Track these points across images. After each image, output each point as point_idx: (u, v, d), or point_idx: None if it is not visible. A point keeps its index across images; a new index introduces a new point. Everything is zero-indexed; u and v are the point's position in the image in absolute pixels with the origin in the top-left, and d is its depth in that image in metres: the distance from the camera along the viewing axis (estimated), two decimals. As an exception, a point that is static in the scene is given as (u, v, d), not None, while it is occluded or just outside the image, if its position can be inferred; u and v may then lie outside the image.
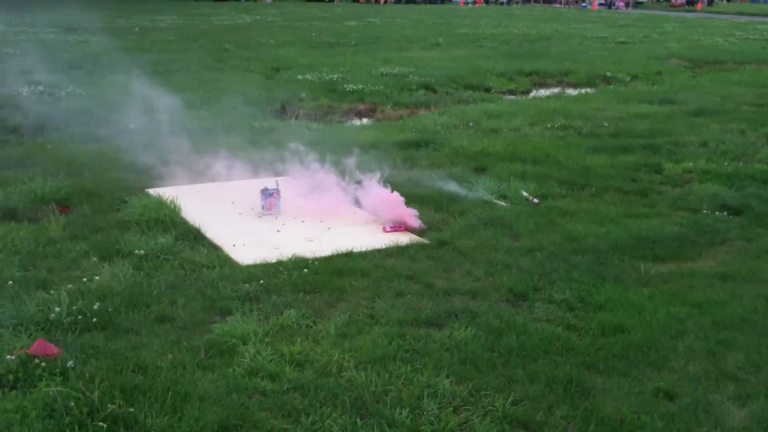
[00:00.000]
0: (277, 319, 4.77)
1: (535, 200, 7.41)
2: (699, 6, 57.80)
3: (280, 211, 7.03)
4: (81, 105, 11.73)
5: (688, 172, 8.70)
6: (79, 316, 4.65)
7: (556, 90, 16.66)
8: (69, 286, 5.08)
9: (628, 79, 17.66)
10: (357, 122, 12.53)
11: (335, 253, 5.97)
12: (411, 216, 6.68)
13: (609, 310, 5.02)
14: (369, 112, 13.26)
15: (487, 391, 4.03)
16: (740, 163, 9.11)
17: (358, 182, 7.32)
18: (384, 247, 6.15)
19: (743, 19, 43.83)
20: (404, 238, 6.38)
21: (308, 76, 16.10)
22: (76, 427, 3.57)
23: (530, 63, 19.40)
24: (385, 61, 19.13)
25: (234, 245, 6.13)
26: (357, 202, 7.21)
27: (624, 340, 4.61)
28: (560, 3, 63.77)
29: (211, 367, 4.22)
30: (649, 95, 14.80)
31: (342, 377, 4.13)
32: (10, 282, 5.16)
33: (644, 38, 28.05)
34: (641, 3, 61.73)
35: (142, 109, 10.53)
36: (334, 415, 3.78)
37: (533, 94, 16.24)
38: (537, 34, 29.24)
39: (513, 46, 24.75)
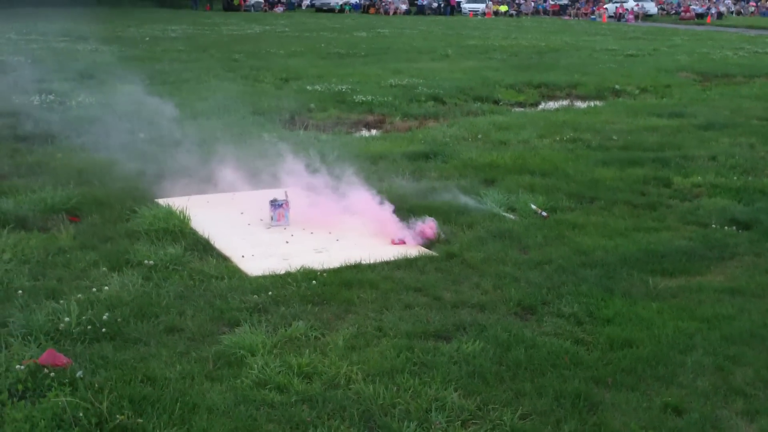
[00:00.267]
0: (286, 330, 4.78)
1: (544, 213, 7.41)
2: (708, 19, 57.79)
3: (289, 222, 7.04)
4: (91, 114, 11.77)
5: (698, 186, 8.69)
6: (89, 326, 4.67)
7: (565, 102, 16.67)
8: (78, 295, 5.10)
9: (637, 92, 17.67)
10: (366, 133, 12.55)
11: (344, 264, 5.98)
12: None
13: (617, 325, 5.01)
14: (378, 123, 13.29)
15: (495, 405, 4.03)
16: (749, 178, 9.09)
17: (367, 193, 7.32)
18: (392, 259, 6.15)
19: (753, 32, 43.79)
20: (413, 251, 6.38)
21: (317, 87, 16.14)
22: (85, 438, 3.58)
23: (539, 75, 19.42)
24: (394, 72, 19.18)
25: (243, 256, 6.14)
26: (365, 214, 7.21)
27: (632, 355, 4.60)
28: (569, 15, 63.86)
29: (220, 378, 4.22)
30: (658, 108, 14.79)
31: (350, 389, 4.13)
32: (20, 291, 5.19)
33: (654, 51, 28.05)
34: (651, 16, 61.75)
35: (152, 119, 10.58)
36: (342, 427, 3.79)
37: (542, 106, 16.25)
38: (546, 46, 29.28)
39: (522, 58, 24.78)
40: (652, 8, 63.73)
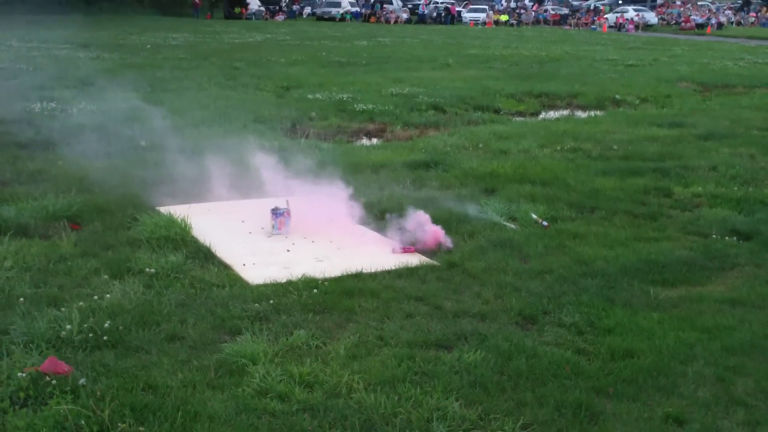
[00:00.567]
0: (287, 339, 4.78)
1: (545, 223, 7.42)
2: (709, 29, 57.90)
3: (290, 231, 7.05)
4: (93, 121, 11.78)
5: (698, 196, 8.70)
6: (90, 334, 4.67)
7: (565, 112, 16.70)
8: (80, 303, 5.10)
9: (637, 101, 17.69)
10: (366, 142, 12.56)
11: (345, 273, 5.98)
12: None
13: (618, 335, 5.02)
14: (379, 132, 13.30)
15: (496, 415, 4.03)
16: (750, 188, 9.10)
17: (367, 204, 7.33)
18: (394, 268, 6.16)
19: (753, 42, 43.87)
20: (414, 260, 6.39)
21: (318, 95, 16.17)
22: (87, 446, 3.58)
23: (540, 85, 19.46)
24: (395, 81, 19.21)
25: (244, 264, 6.15)
26: (366, 223, 7.22)
27: (633, 365, 4.60)
28: (570, 25, 63.98)
29: (221, 386, 4.23)
30: (658, 118, 14.81)
31: (351, 399, 4.13)
32: (22, 299, 5.19)
33: (654, 61, 28.10)
34: (651, 26, 61.87)
35: (153, 126, 10.59)
36: (343, 436, 3.79)
37: (543, 115, 16.27)
38: (547, 56, 29.34)
39: (523, 67, 24.82)
40: (652, 18, 63.84)
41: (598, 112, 16.31)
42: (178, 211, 7.21)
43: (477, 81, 20.00)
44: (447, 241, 6.69)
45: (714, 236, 7.26)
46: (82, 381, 4.10)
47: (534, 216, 7.55)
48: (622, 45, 38.51)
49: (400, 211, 7.13)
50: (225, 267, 6.10)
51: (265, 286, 5.67)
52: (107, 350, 4.57)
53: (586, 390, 4.30)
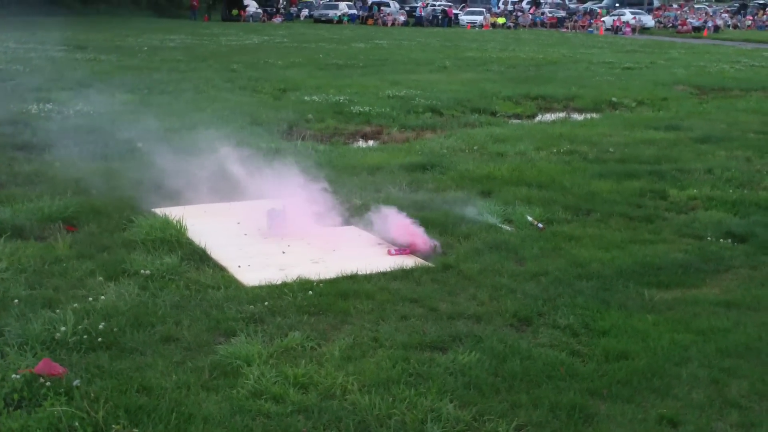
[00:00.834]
0: (282, 341, 4.78)
1: (540, 225, 7.42)
2: (705, 33, 57.98)
3: (286, 233, 7.04)
4: (89, 123, 11.79)
5: (694, 198, 8.71)
6: (85, 336, 4.67)
7: (562, 115, 16.70)
8: (75, 305, 5.10)
9: (634, 104, 17.71)
10: (363, 144, 12.56)
11: (340, 275, 5.99)
12: (421, 237, 6.70)
13: (613, 336, 5.03)
14: (375, 135, 13.30)
15: (490, 416, 4.03)
16: (745, 191, 9.12)
17: (364, 205, 7.33)
18: (389, 270, 6.16)
19: (750, 46, 43.94)
20: (409, 261, 6.39)
21: (315, 98, 16.18)
22: (80, 447, 3.58)
23: (537, 87, 19.48)
24: (392, 84, 19.22)
25: (239, 266, 6.15)
26: (362, 225, 7.22)
27: (628, 367, 4.61)
28: (567, 28, 64.04)
29: (216, 388, 4.23)
30: (655, 121, 14.82)
31: (346, 400, 4.13)
32: (16, 300, 5.19)
33: (651, 64, 28.14)
34: (648, 29, 61.92)
35: (149, 128, 10.59)
36: (337, 438, 3.79)
37: (539, 118, 16.28)
38: (544, 59, 29.37)
39: (520, 70, 24.85)
40: (649, 21, 63.90)
41: (594, 115, 16.32)
42: (173, 212, 7.21)
43: (474, 84, 20.02)
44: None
45: (709, 239, 7.27)
46: (76, 382, 4.09)
47: (530, 218, 7.56)
48: (619, 48, 38.56)
49: (395, 214, 7.12)
50: (220, 269, 6.10)
51: (260, 287, 5.68)
52: (102, 352, 4.57)
53: (581, 391, 4.30)
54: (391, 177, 9.23)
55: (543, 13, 69.88)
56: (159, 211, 7.39)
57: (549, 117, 16.39)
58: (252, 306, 5.31)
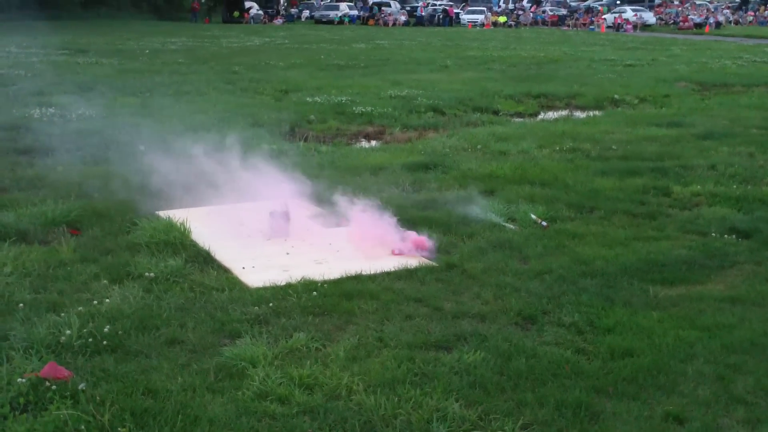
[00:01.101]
0: (287, 342, 4.78)
1: (544, 223, 7.42)
2: (707, 29, 57.91)
3: (289, 234, 7.05)
4: (91, 127, 11.80)
5: (697, 195, 8.70)
6: (90, 339, 4.67)
7: (564, 113, 16.69)
8: (79, 308, 5.10)
9: (636, 101, 17.70)
10: (365, 144, 12.57)
11: (344, 275, 5.99)
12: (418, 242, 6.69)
13: (618, 334, 5.02)
14: (377, 135, 13.31)
15: (496, 415, 4.03)
16: (749, 187, 9.11)
17: (367, 205, 7.33)
18: (393, 269, 6.16)
19: (751, 42, 43.87)
20: (413, 261, 6.39)
21: (317, 99, 16.18)
22: (87, 450, 3.58)
23: (538, 86, 19.47)
24: (393, 84, 19.22)
25: (243, 268, 6.15)
26: (364, 225, 7.22)
27: (633, 364, 4.60)
28: (568, 26, 64.00)
29: (221, 390, 4.23)
30: (657, 118, 14.81)
31: (351, 401, 4.14)
32: (21, 304, 5.19)
33: (652, 61, 28.12)
34: (649, 26, 61.89)
35: (151, 131, 10.60)
36: (343, 438, 3.79)
37: (541, 116, 16.28)
38: (545, 57, 29.37)
39: (521, 68, 24.84)
40: (650, 18, 63.86)
41: (596, 113, 16.31)
42: (177, 215, 7.22)
43: (476, 83, 20.02)
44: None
45: (713, 235, 7.27)
46: (81, 386, 4.10)
47: (533, 216, 7.55)
48: (621, 45, 38.53)
49: (399, 214, 7.12)
50: (224, 270, 6.10)
51: (265, 289, 5.68)
52: (107, 355, 4.57)
53: (586, 389, 4.30)
54: (394, 177, 9.22)
55: (544, 12, 69.86)
56: (162, 213, 7.40)
57: (551, 115, 16.38)
58: (256, 307, 5.31)
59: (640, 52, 32.93)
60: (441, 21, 64.07)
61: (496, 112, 15.93)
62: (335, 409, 4.04)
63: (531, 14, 68.69)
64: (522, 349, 4.75)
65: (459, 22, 65.84)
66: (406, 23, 64.86)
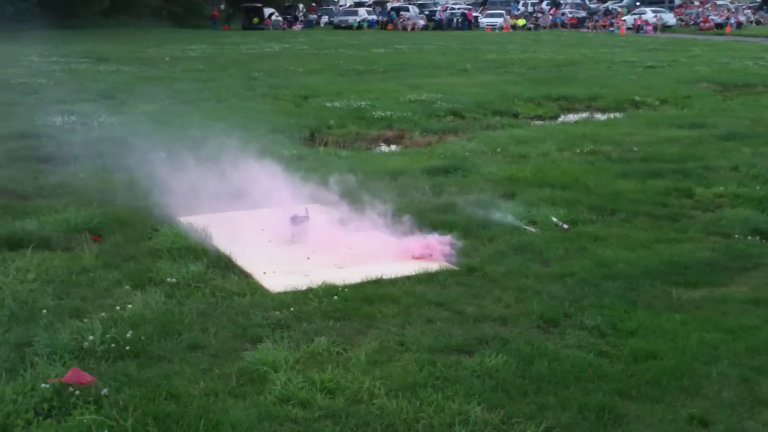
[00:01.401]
0: (308, 346, 4.79)
1: (565, 226, 7.39)
2: (728, 29, 57.52)
3: (310, 239, 7.06)
4: (113, 134, 11.87)
5: (720, 196, 8.64)
6: (113, 345, 4.70)
7: (584, 115, 16.64)
8: (102, 314, 5.14)
9: (657, 103, 17.61)
10: (385, 149, 12.57)
11: (365, 280, 5.98)
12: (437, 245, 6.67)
13: (641, 337, 4.99)
14: (397, 139, 13.32)
15: (518, 419, 4.02)
16: (772, 187, 9.03)
17: (387, 210, 7.33)
18: (413, 273, 6.15)
19: (773, 41, 43.50)
20: (434, 265, 6.37)
21: (336, 104, 16.21)
22: (110, 455, 3.60)
23: (558, 88, 19.41)
24: (413, 88, 19.22)
25: (264, 272, 6.16)
26: (386, 229, 7.22)
27: (656, 367, 4.57)
28: (588, 28, 63.76)
29: (243, 395, 4.24)
30: (678, 119, 14.73)
31: (373, 405, 4.13)
32: (44, 311, 5.23)
33: (673, 62, 27.96)
34: (669, 27, 61.54)
35: (172, 138, 10.65)
36: (365, 442, 3.78)
37: (561, 119, 16.23)
38: (565, 59, 29.27)
39: (541, 71, 24.78)
40: (670, 19, 63.47)
41: (617, 115, 16.25)
42: (198, 221, 7.25)
43: (495, 86, 19.98)
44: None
45: (736, 236, 7.21)
46: (105, 391, 4.12)
47: (554, 219, 7.53)
48: (641, 47, 38.34)
49: (418, 218, 7.12)
50: (245, 275, 6.12)
51: (286, 293, 5.69)
52: (129, 360, 4.59)
53: (609, 392, 4.27)
54: (414, 181, 9.22)
55: (563, 14, 69.60)
56: (184, 219, 7.43)
57: (571, 117, 16.33)
58: (278, 312, 5.32)
59: (661, 54, 32.75)
60: (460, 25, 63.97)
61: (515, 115, 15.90)
62: (357, 414, 4.03)
63: (550, 17, 68.48)
64: (544, 353, 4.73)
65: (478, 25, 65.72)
66: (425, 27, 64.79)
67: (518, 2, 75.94)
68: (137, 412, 3.94)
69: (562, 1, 75.69)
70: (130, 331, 4.85)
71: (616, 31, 57.76)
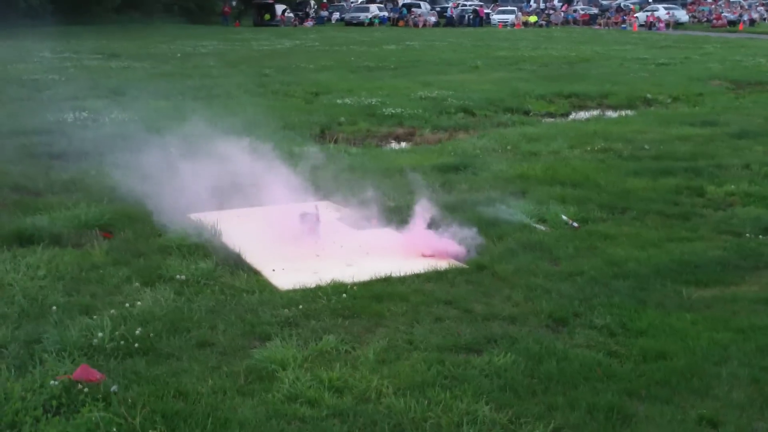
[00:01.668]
0: (316, 344, 4.78)
1: (575, 224, 7.37)
2: (741, 26, 57.25)
3: (319, 236, 7.05)
4: (124, 131, 11.88)
5: (731, 195, 8.59)
6: (122, 342, 4.71)
7: (595, 112, 16.59)
8: (112, 311, 5.15)
9: (669, 101, 17.54)
10: (396, 146, 12.56)
11: (374, 277, 5.98)
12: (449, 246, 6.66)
13: (651, 336, 4.97)
14: (408, 136, 13.30)
15: (527, 419, 4.00)
16: (784, 186, 8.97)
17: (398, 207, 7.32)
18: (422, 271, 6.14)
19: (786, 38, 43.28)
20: (443, 263, 6.36)
21: (347, 101, 16.20)
22: (118, 453, 3.60)
23: (570, 85, 19.35)
24: (424, 85, 19.20)
25: (273, 270, 6.16)
26: (395, 227, 7.21)
27: (666, 367, 4.55)
28: (600, 25, 63.56)
29: (251, 392, 4.24)
30: (690, 117, 14.66)
31: (381, 403, 4.13)
32: (54, 307, 5.24)
33: (685, 59, 27.85)
34: (682, 24, 61.30)
35: (183, 135, 10.65)
36: (373, 441, 3.78)
37: (573, 116, 16.18)
38: (576, 57, 29.19)
39: (552, 68, 24.71)
40: (683, 16, 63.25)
41: (629, 112, 16.19)
42: (208, 217, 7.26)
43: (506, 83, 19.94)
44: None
45: (748, 235, 7.17)
46: (113, 388, 4.13)
47: (564, 217, 7.50)
48: (653, 44, 38.20)
49: (428, 216, 7.10)
50: (254, 273, 6.12)
51: (295, 291, 5.69)
52: (138, 357, 4.60)
53: (618, 392, 4.25)
54: (425, 178, 9.20)
55: (575, 11, 69.45)
56: (193, 216, 7.44)
57: (583, 115, 16.28)
58: (286, 310, 5.32)
59: (673, 51, 32.62)
60: (471, 21, 63.88)
61: (526, 113, 15.86)
62: (365, 412, 4.03)
63: (562, 13, 68.33)
64: (553, 352, 4.71)
65: (489, 22, 65.62)
66: (436, 24, 64.75)
67: (530, -1, 75.81)
68: (145, 409, 3.94)
69: (574, -2, 75.50)
70: (139, 329, 4.86)
71: (628, 28, 57.60)
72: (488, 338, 4.93)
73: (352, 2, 73.84)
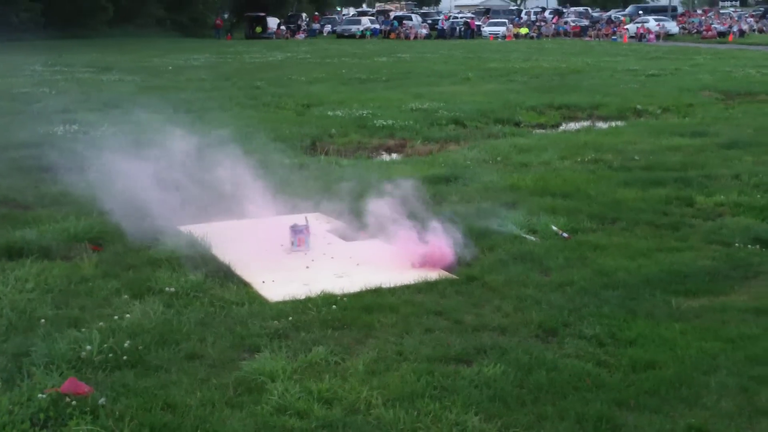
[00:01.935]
0: (306, 356, 4.78)
1: (565, 235, 7.38)
2: (731, 38, 57.54)
3: (310, 248, 7.05)
4: (115, 144, 11.84)
5: (721, 205, 8.62)
6: (110, 354, 4.69)
7: (586, 123, 16.62)
8: (100, 323, 5.13)
9: (659, 111, 17.58)
10: (387, 158, 12.58)
11: (364, 289, 5.98)
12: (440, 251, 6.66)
13: (640, 346, 4.97)
14: (399, 148, 13.32)
15: (516, 429, 4.00)
16: (773, 196, 9.00)
17: (388, 219, 7.32)
18: (413, 282, 6.14)
19: (776, 49, 43.49)
20: (433, 274, 6.36)
21: (339, 112, 16.22)
22: (105, 466, 3.59)
23: (561, 97, 19.40)
24: (415, 97, 19.24)
25: (263, 282, 6.16)
26: (385, 238, 7.21)
27: (655, 376, 4.55)
28: (590, 36, 63.81)
29: (240, 404, 4.23)
30: (680, 128, 14.71)
31: (370, 414, 4.12)
32: (43, 320, 5.23)
33: (675, 70, 27.95)
34: (672, 35, 61.57)
35: (174, 148, 10.64)
36: (361, 453, 3.77)
37: (563, 127, 16.21)
38: (567, 68, 29.28)
39: (543, 80, 24.79)
40: (673, 28, 63.51)
41: (619, 123, 16.22)
42: (198, 229, 7.25)
43: (497, 94, 19.99)
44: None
45: (737, 245, 7.19)
46: (101, 401, 4.11)
47: (555, 228, 7.51)
48: (644, 55, 38.36)
49: (419, 226, 7.11)
50: (244, 285, 6.11)
51: (284, 303, 5.68)
52: (127, 370, 4.59)
53: (608, 402, 4.25)
54: (416, 190, 9.19)
55: (566, 22, 69.68)
56: (183, 228, 7.44)
57: (573, 126, 16.31)
58: (276, 321, 5.31)
59: (664, 62, 32.76)
60: (462, 33, 64.09)
61: (517, 124, 15.89)
62: (354, 424, 4.02)
63: (553, 25, 68.57)
64: (542, 362, 4.71)
65: (480, 34, 65.81)
66: (428, 36, 64.92)
67: (521, 11, 76.05)
68: (134, 422, 3.93)
69: (564, 10, 75.77)
70: (128, 341, 4.84)
71: (619, 40, 57.82)
72: (478, 349, 4.93)
73: (344, 15, 73.98)
